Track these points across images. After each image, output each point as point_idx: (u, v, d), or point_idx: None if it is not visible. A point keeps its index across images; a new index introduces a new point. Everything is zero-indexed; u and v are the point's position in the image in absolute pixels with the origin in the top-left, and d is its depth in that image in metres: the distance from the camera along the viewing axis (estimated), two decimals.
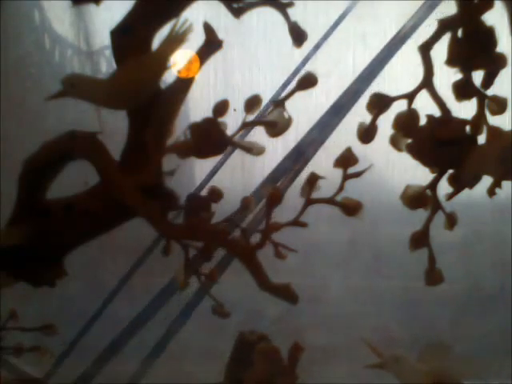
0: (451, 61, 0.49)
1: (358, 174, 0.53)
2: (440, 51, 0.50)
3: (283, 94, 0.54)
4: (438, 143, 0.50)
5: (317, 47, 1.05)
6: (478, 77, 0.50)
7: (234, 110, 0.54)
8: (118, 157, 0.55)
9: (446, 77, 0.50)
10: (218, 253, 0.56)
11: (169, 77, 0.54)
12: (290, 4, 0.52)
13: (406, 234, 0.52)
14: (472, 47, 0.49)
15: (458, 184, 0.51)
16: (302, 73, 0.53)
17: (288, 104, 0.54)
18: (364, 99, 0.51)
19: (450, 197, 0.52)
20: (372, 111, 0.51)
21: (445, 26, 0.49)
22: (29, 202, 0.56)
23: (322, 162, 1.02)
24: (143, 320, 1.09)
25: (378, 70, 1.00)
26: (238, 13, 0.52)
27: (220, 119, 0.53)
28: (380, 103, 0.51)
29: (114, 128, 0.58)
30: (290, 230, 0.54)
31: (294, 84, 0.53)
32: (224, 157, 1.07)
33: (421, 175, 0.53)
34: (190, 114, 0.70)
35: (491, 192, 0.51)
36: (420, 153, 0.51)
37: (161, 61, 0.53)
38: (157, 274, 1.10)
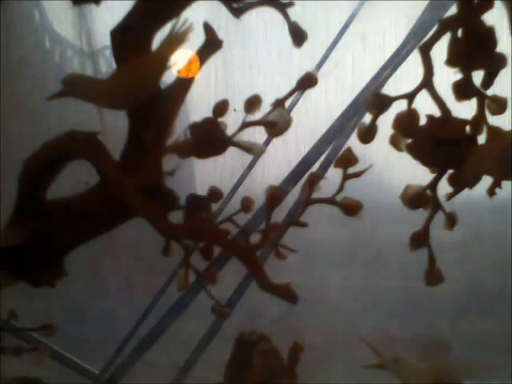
0: (451, 61, 0.49)
1: (358, 174, 0.53)
2: (440, 51, 0.50)
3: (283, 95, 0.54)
4: (438, 143, 0.50)
5: (330, 49, 1.05)
6: (477, 77, 0.50)
7: (234, 109, 0.54)
8: (117, 157, 0.55)
9: (445, 77, 0.50)
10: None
11: (169, 77, 0.54)
12: (290, 4, 0.52)
13: (406, 234, 0.52)
14: (472, 47, 0.48)
15: (458, 184, 0.51)
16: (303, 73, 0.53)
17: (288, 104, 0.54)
18: None
19: (450, 197, 0.52)
20: (372, 111, 0.51)
21: (445, 26, 0.49)
22: (29, 202, 0.56)
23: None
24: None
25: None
26: (238, 13, 0.52)
27: (220, 119, 0.53)
28: (380, 103, 0.51)
29: (113, 128, 0.58)
30: (290, 230, 0.54)
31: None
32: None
33: (421, 175, 0.53)
34: (190, 114, 0.70)
35: (491, 192, 0.51)
36: (420, 153, 0.51)
37: (161, 61, 0.53)
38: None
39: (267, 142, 0.62)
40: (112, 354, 1.13)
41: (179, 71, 0.53)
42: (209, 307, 0.58)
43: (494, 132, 0.50)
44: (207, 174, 1.13)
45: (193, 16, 0.53)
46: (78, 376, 1.11)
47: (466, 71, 0.49)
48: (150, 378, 1.10)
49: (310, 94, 0.53)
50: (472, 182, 0.51)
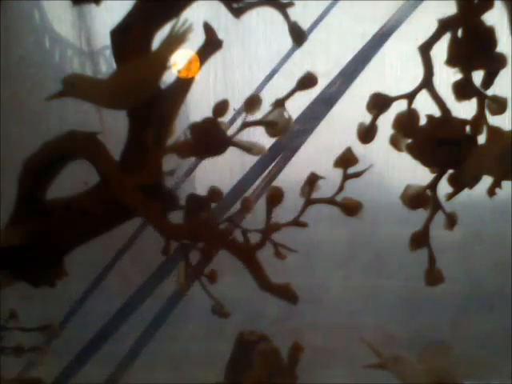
0: (451, 61, 0.49)
1: (358, 174, 0.53)
2: (440, 51, 0.50)
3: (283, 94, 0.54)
4: (438, 143, 0.50)
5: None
6: (478, 77, 0.50)
7: (234, 109, 0.54)
8: (117, 157, 0.55)
9: (446, 77, 0.50)
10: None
11: (169, 77, 0.54)
12: (290, 4, 0.52)
13: (406, 234, 0.52)
14: (472, 47, 0.48)
15: (458, 184, 0.51)
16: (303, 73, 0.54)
17: (288, 104, 0.54)
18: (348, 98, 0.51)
19: (450, 197, 0.52)
20: (372, 111, 0.51)
21: (445, 25, 0.49)
22: (29, 202, 0.56)
23: (322, 162, 1.02)
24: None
25: (360, 68, 1.00)
26: (238, 13, 0.52)
27: (220, 119, 0.53)
28: (380, 103, 0.51)
29: (113, 128, 0.58)
30: (290, 230, 0.54)
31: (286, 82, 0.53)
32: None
33: (421, 175, 0.53)
34: (190, 114, 0.70)
35: (491, 192, 0.51)
36: (420, 153, 0.51)
37: (161, 61, 0.53)
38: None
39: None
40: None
41: (179, 71, 0.53)
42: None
43: (494, 132, 0.50)
44: (207, 174, 1.13)
45: (193, 16, 0.53)
46: (78, 376, 1.11)
47: (466, 71, 0.49)
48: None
49: (311, 93, 0.53)
50: (472, 182, 0.51)
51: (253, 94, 0.54)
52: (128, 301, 1.07)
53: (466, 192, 0.51)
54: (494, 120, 0.50)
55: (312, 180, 0.53)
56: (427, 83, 0.50)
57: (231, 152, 0.54)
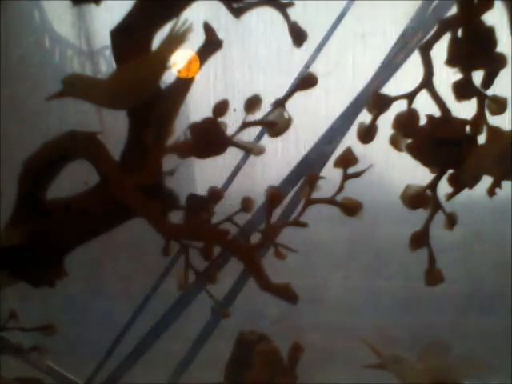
0: (451, 61, 0.49)
1: (358, 174, 0.53)
2: (440, 51, 0.50)
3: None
4: (438, 143, 0.50)
5: (319, 48, 1.05)
6: (478, 77, 0.50)
7: (234, 110, 0.54)
8: (117, 157, 0.55)
9: (445, 77, 0.50)
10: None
11: (169, 77, 0.54)
12: (290, 4, 0.52)
13: (406, 234, 0.52)
14: (472, 47, 0.49)
15: (458, 184, 0.51)
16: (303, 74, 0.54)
17: (288, 104, 0.54)
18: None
19: (450, 197, 0.52)
20: (372, 111, 0.51)
21: (445, 26, 0.49)
22: (29, 202, 0.56)
23: None
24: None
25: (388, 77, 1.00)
26: (238, 13, 0.52)
27: (220, 119, 0.53)
28: (380, 103, 0.51)
29: (113, 128, 0.58)
30: (290, 230, 0.54)
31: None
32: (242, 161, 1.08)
33: (421, 175, 0.53)
34: (190, 114, 0.70)
35: (491, 192, 0.51)
36: (420, 153, 0.51)
37: (161, 61, 0.53)
38: None
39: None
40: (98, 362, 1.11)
41: (179, 71, 0.53)
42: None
43: (494, 132, 0.50)
44: (207, 174, 1.13)
45: (193, 16, 0.53)
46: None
47: (466, 71, 0.49)
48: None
49: (310, 93, 0.53)
50: (472, 182, 0.51)
51: (253, 95, 0.54)
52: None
53: (465, 192, 0.52)
54: (494, 120, 0.50)
55: (312, 180, 0.54)
56: (427, 83, 0.50)
57: (231, 152, 0.54)
